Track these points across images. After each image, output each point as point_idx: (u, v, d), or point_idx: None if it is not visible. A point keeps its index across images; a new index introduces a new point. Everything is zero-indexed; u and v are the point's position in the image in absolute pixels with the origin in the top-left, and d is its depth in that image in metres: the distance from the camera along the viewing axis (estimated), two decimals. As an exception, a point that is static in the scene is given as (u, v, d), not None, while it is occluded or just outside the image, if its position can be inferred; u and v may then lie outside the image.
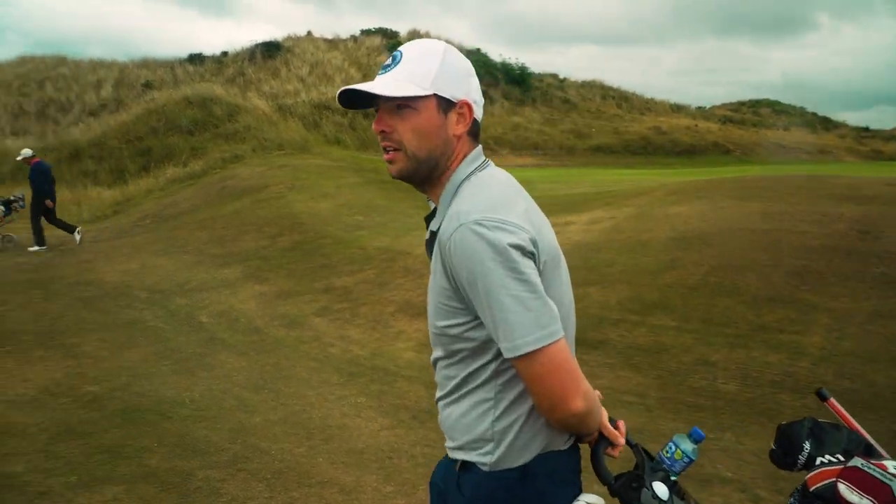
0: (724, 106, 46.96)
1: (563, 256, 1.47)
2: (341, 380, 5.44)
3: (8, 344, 6.38)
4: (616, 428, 1.54)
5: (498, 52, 54.69)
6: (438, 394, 1.52)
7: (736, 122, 39.41)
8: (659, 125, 32.97)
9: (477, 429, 1.42)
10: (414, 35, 34.71)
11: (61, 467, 3.92)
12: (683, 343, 5.37)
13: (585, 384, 1.34)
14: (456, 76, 1.43)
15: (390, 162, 1.45)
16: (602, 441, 1.50)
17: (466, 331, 1.38)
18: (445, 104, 1.41)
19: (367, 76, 30.79)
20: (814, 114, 47.26)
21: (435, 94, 1.40)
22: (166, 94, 22.09)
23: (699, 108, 44.53)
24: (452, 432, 1.48)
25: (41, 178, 11.59)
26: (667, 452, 1.49)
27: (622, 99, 37.99)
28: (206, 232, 11.45)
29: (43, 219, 11.63)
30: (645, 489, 1.40)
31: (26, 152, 12.10)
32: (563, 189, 14.27)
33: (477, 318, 1.34)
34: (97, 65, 30.85)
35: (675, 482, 1.45)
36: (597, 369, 5.13)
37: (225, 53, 32.60)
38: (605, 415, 1.53)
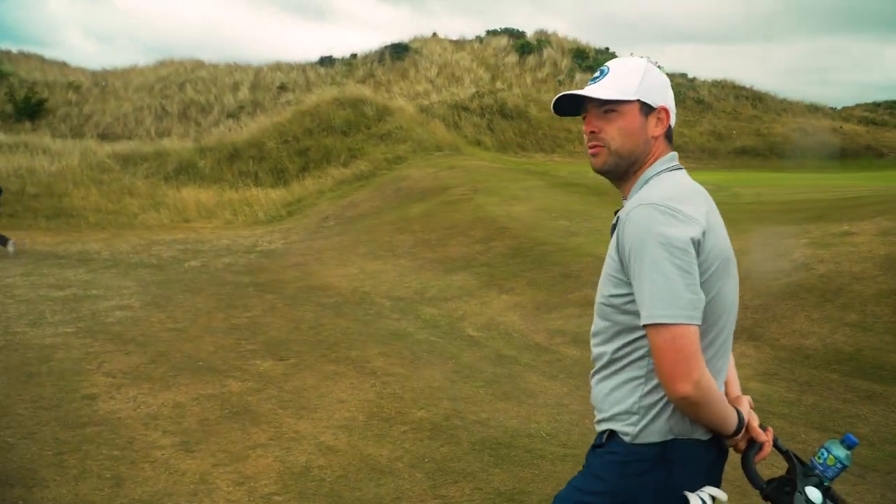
0: (859, 106, 43.99)
1: (734, 260, 1.63)
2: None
3: (289, 355, 6.01)
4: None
5: (629, 52, 52.96)
6: (593, 370, 1.70)
7: (878, 124, 36.74)
8: (803, 126, 30.99)
9: (626, 402, 1.57)
10: (541, 35, 34.06)
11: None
12: None
13: (701, 374, 1.44)
14: (656, 86, 1.66)
15: (594, 155, 1.68)
16: (752, 447, 1.58)
17: (626, 302, 1.54)
18: (647, 109, 1.65)
19: (497, 76, 30.31)
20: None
21: (638, 100, 1.63)
22: (317, 96, 22.11)
23: (832, 108, 41.90)
24: (603, 405, 1.63)
25: None
26: (819, 458, 1.53)
27: (756, 99, 35.95)
28: (406, 235, 11.04)
29: None
30: (798, 493, 1.45)
31: None
32: (751, 196, 13.18)
33: (633, 291, 1.50)
34: (233, 68, 31.52)
35: (828, 488, 1.48)
36: None
37: (354, 55, 32.76)
38: (755, 419, 1.66)
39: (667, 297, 1.42)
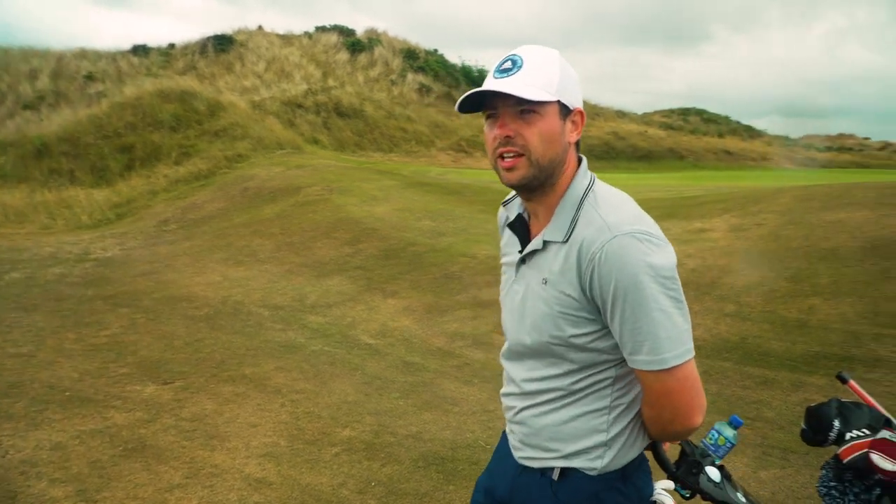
0: (657, 112, 48.38)
1: None
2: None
3: (172, 377, 5.35)
4: None
5: (457, 55, 53.16)
6: (525, 403, 1.50)
7: (675, 129, 40.59)
8: (616, 130, 33.44)
9: (587, 436, 1.44)
10: (371, 34, 33.85)
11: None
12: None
13: (705, 401, 1.39)
14: (572, 84, 1.40)
15: (510, 169, 1.39)
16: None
17: (594, 340, 1.38)
18: (565, 111, 1.39)
19: (328, 74, 29.67)
20: (738, 122, 49.47)
21: (558, 101, 1.37)
22: (136, 87, 20.33)
23: (637, 114, 45.65)
24: (551, 443, 1.46)
25: None
26: (710, 440, 1.59)
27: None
28: (265, 238, 10.37)
29: None
30: (702, 474, 1.53)
31: None
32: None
33: (605, 327, 1.36)
34: (28, 53, 28.21)
35: (721, 466, 1.56)
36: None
37: (172, 46, 30.61)
38: None
39: (673, 336, 1.30)
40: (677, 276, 1.33)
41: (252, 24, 33.99)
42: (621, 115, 40.83)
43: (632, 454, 1.47)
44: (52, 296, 7.95)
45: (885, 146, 52.61)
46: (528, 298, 1.45)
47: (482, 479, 1.71)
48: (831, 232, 7.38)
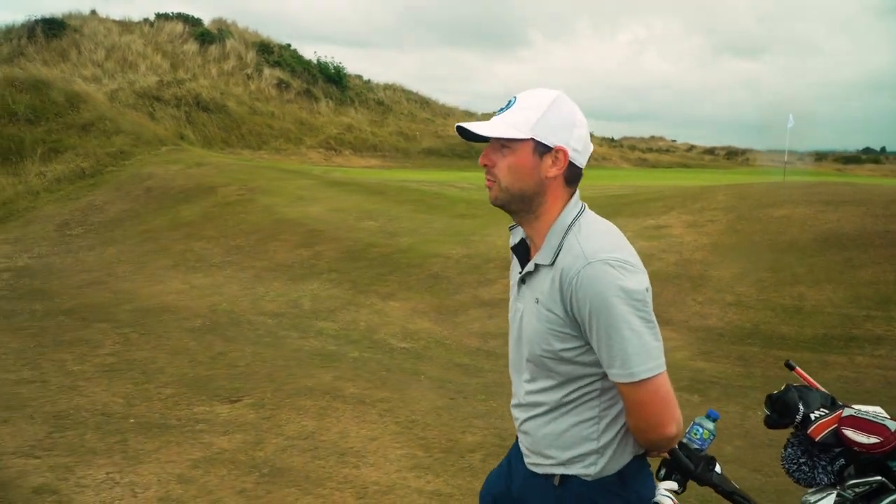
0: (486, 115, 50.40)
1: None
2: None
3: (237, 395, 4.93)
4: None
5: (312, 50, 51.09)
6: (527, 414, 1.66)
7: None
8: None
9: (580, 444, 1.58)
10: (220, 24, 32.21)
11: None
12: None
13: (679, 412, 1.52)
14: (557, 125, 1.55)
15: (489, 188, 1.61)
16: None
17: (579, 354, 1.53)
18: (542, 148, 1.55)
19: (177, 65, 27.85)
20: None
21: (532, 139, 1.54)
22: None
23: (483, 113, 47.19)
24: (550, 451, 1.61)
25: None
26: (695, 434, 1.73)
27: (423, 103, 38.84)
28: (204, 242, 9.66)
29: None
30: (714, 469, 1.69)
31: None
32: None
33: (588, 343, 1.51)
34: None
35: (714, 458, 1.73)
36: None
37: (-7, 27, 27.20)
38: None
39: (641, 352, 1.44)
40: (649, 301, 1.48)
41: (84, 8, 31.08)
42: (469, 114, 42.02)
43: (624, 460, 1.59)
44: (-7, 313, 6.92)
45: (692, 148, 58.62)
46: (525, 315, 1.62)
47: (493, 476, 1.89)
48: (783, 226, 8.26)
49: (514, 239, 1.73)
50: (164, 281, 8.11)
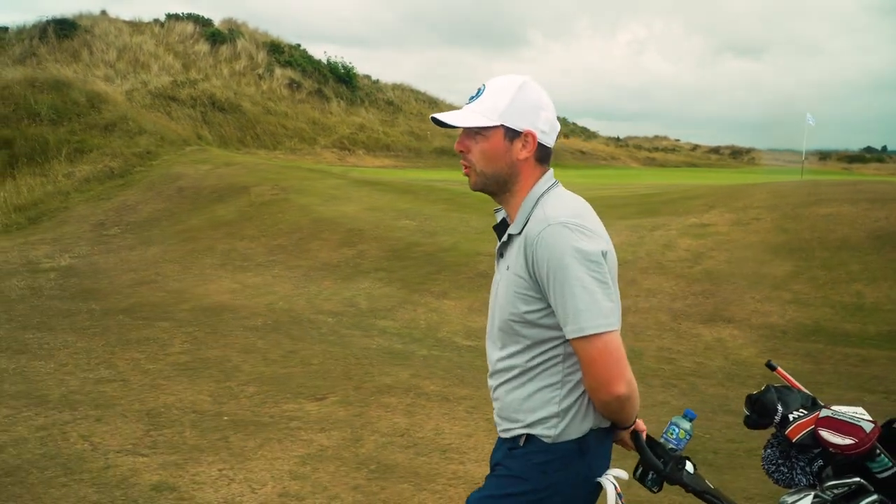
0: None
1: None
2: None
3: (321, 393, 4.94)
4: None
5: (322, 50, 50.73)
6: (497, 381, 1.72)
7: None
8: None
9: (545, 408, 1.63)
10: (231, 24, 32.19)
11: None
12: None
13: (630, 373, 1.57)
14: (524, 109, 1.65)
15: (466, 175, 1.72)
16: (640, 436, 1.77)
17: (542, 317, 1.60)
18: (512, 133, 1.65)
19: (189, 65, 27.83)
20: (574, 123, 52.81)
21: (502, 125, 1.64)
22: (7, 76, 17.95)
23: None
24: (517, 414, 1.67)
25: None
26: (671, 434, 1.74)
27: (431, 102, 38.86)
28: (247, 241, 9.66)
29: None
30: (684, 469, 1.70)
31: None
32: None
33: (549, 306, 1.57)
34: None
35: (687, 457, 1.74)
36: None
37: (5, 29, 27.21)
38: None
39: (591, 309, 1.50)
40: (604, 265, 1.56)
41: (94, 9, 31.01)
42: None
43: (584, 427, 1.63)
44: (52, 312, 6.92)
45: (695, 147, 58.65)
46: (499, 285, 1.71)
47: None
48: (832, 224, 8.29)
49: (498, 218, 1.79)
50: (215, 280, 8.12)
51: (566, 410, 1.62)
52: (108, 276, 8.43)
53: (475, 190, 1.74)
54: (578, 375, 1.61)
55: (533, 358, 1.64)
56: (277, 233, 9.93)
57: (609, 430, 1.70)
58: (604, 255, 1.57)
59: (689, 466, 1.71)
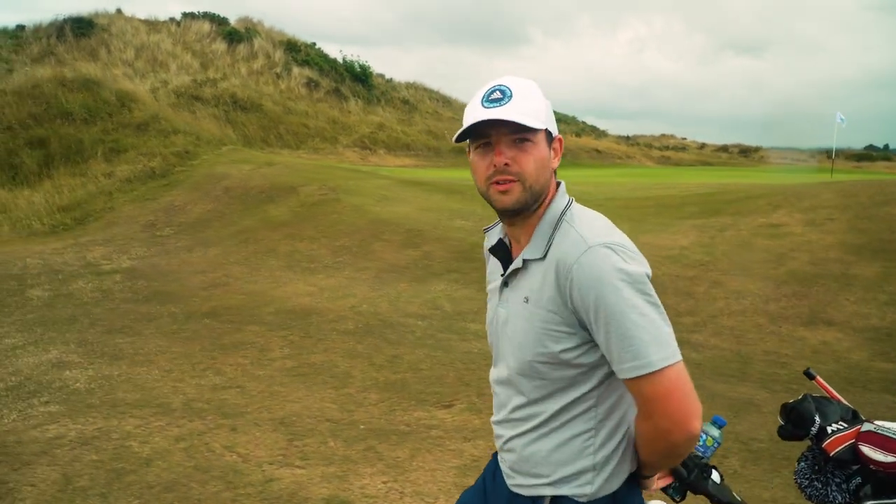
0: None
1: None
2: None
3: (446, 400, 4.81)
4: None
5: (338, 49, 50.40)
6: (513, 431, 1.51)
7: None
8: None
9: (577, 461, 1.43)
10: (247, 23, 32.06)
11: None
12: None
13: (700, 405, 1.36)
14: (551, 113, 1.47)
15: (505, 193, 1.42)
16: None
17: (580, 355, 1.39)
18: (549, 139, 1.46)
19: (205, 64, 27.68)
20: (584, 122, 52.70)
21: (546, 129, 1.44)
22: (23, 74, 17.79)
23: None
24: (539, 468, 1.47)
25: None
26: (699, 441, 1.62)
27: (445, 101, 38.73)
28: (308, 243, 9.53)
29: None
30: (710, 478, 1.61)
31: None
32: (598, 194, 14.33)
33: (589, 341, 1.38)
34: None
35: (715, 466, 1.64)
36: None
37: (22, 28, 27.03)
38: None
39: (656, 338, 1.31)
40: (651, 286, 1.36)
41: (110, 7, 30.85)
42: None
43: (621, 478, 1.46)
44: (132, 316, 6.78)
45: (703, 146, 58.60)
46: (511, 320, 1.48)
47: (467, 496, 1.73)
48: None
49: (491, 241, 1.60)
50: (288, 283, 7.98)
51: (604, 462, 1.43)
52: (175, 278, 8.28)
53: (514, 209, 1.43)
54: (615, 420, 1.43)
55: (567, 404, 1.42)
56: (337, 234, 9.79)
57: (636, 474, 1.51)
58: (649, 277, 1.37)
59: (715, 476, 1.61)
